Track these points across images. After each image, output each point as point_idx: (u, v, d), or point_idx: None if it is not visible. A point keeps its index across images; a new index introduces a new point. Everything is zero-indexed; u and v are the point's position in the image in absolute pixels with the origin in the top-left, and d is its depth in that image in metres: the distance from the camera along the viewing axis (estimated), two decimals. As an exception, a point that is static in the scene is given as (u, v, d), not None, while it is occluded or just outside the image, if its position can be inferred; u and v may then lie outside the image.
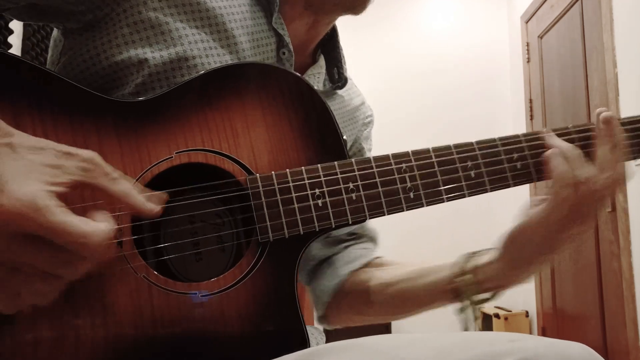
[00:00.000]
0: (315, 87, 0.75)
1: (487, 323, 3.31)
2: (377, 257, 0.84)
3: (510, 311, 3.30)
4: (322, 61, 0.80)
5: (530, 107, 3.40)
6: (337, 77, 0.80)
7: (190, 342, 0.52)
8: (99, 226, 0.45)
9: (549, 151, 0.62)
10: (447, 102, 3.63)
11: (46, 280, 0.44)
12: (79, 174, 0.45)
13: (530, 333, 3.34)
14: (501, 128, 3.19)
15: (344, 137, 0.62)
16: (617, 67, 2.36)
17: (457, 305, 0.67)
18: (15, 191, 0.41)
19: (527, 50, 3.43)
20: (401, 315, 0.77)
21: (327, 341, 0.74)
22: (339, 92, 0.83)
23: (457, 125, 3.47)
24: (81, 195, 0.50)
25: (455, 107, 3.60)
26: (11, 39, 1.05)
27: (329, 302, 0.81)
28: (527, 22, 3.44)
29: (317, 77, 0.78)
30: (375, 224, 0.88)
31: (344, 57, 0.81)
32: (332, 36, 0.81)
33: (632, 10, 2.29)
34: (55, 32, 0.69)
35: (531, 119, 3.37)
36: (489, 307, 3.38)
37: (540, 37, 3.26)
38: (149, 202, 0.50)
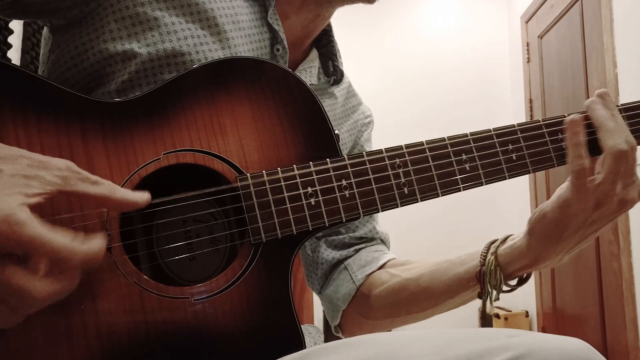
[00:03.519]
0: (309, 81, 0.74)
1: (487, 323, 3.31)
2: (392, 259, 0.81)
3: (510, 311, 3.30)
4: (313, 54, 0.77)
5: (530, 107, 3.40)
6: (332, 70, 0.77)
7: (185, 347, 0.52)
8: (85, 242, 0.43)
9: (568, 119, 0.61)
10: (448, 102, 3.63)
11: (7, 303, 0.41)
12: (57, 183, 0.43)
13: (530, 333, 3.33)
14: (501, 128, 3.19)
15: (336, 131, 0.60)
16: (617, 67, 2.36)
17: (478, 293, 0.66)
18: None
19: (527, 50, 3.43)
20: (425, 313, 0.74)
21: (326, 340, 0.73)
22: (336, 91, 0.80)
23: (458, 125, 3.43)
24: (69, 205, 0.49)
25: (455, 108, 3.60)
26: (11, 39, 1.06)
27: (346, 309, 0.78)
28: (527, 22, 3.44)
29: (308, 72, 0.75)
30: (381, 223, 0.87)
31: (339, 51, 0.79)
32: (326, 31, 0.78)
33: (632, 10, 2.29)
34: (45, 29, 0.68)
35: (531, 119, 3.37)
36: (488, 308, 3.38)
37: (540, 37, 3.25)
38: (136, 192, 0.48)
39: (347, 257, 0.80)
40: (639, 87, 2.22)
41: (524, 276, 0.67)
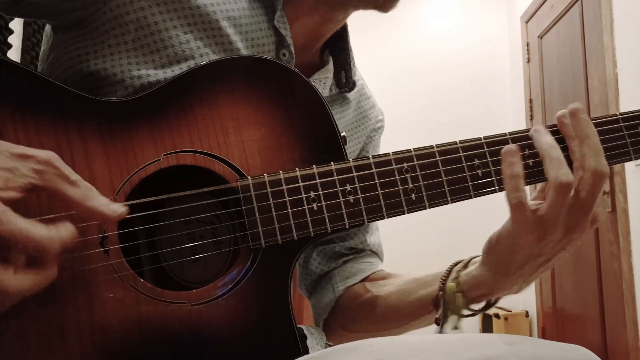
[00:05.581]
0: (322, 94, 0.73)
1: (487, 323, 3.31)
2: (377, 271, 0.79)
3: (510, 311, 3.30)
4: (330, 65, 0.74)
5: (530, 107, 3.40)
6: (345, 82, 0.74)
7: (181, 351, 0.51)
8: (59, 230, 0.42)
9: (504, 148, 0.55)
10: (448, 102, 3.63)
11: None
12: (32, 177, 0.41)
13: (530, 333, 3.33)
14: (501, 128, 3.18)
15: (342, 133, 0.58)
16: (617, 67, 2.36)
17: (435, 319, 0.63)
18: None
19: (527, 50, 3.43)
20: (388, 330, 0.72)
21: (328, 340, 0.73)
22: (349, 94, 0.77)
23: (458, 125, 3.47)
24: (47, 203, 0.47)
25: (455, 107, 3.60)
26: (11, 39, 1.05)
27: (327, 318, 0.77)
28: (527, 22, 3.44)
29: (322, 82, 0.72)
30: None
31: (353, 59, 0.76)
32: (342, 35, 0.75)
33: (632, 10, 2.29)
34: (47, 26, 0.66)
35: (531, 118, 3.37)
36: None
37: (540, 37, 3.25)
38: (113, 204, 0.46)
39: (334, 269, 0.79)
40: (639, 87, 2.22)
41: (492, 300, 0.63)
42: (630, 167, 2.30)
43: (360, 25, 3.67)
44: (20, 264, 0.41)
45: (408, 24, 3.78)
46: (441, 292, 0.61)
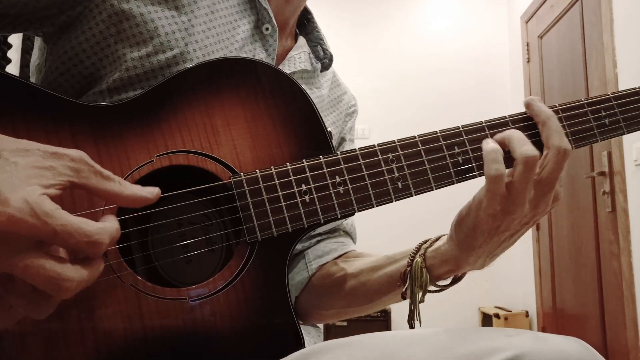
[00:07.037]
0: (302, 67, 0.76)
1: (487, 323, 3.31)
2: (350, 251, 0.81)
3: (510, 311, 3.30)
4: (300, 41, 0.79)
5: (530, 107, 3.40)
6: (323, 54, 0.80)
7: (183, 348, 0.51)
8: (106, 224, 0.43)
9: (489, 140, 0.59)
10: (448, 102, 3.63)
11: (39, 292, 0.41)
12: (70, 175, 0.42)
13: (531, 333, 3.34)
14: (501, 128, 3.20)
15: (329, 129, 0.60)
16: (617, 67, 2.36)
17: (401, 293, 0.64)
18: (11, 199, 0.37)
19: (527, 50, 3.43)
20: (362, 308, 0.74)
21: (326, 340, 0.73)
22: (323, 81, 0.82)
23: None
24: (71, 198, 0.48)
25: (455, 108, 3.60)
26: (11, 39, 1.06)
27: (298, 296, 0.79)
28: (527, 22, 3.44)
29: (298, 58, 0.77)
30: (365, 221, 0.85)
31: (324, 36, 0.82)
32: (309, 19, 0.82)
33: (632, 10, 2.29)
34: (38, 40, 0.68)
35: (531, 119, 3.38)
36: (489, 307, 3.39)
37: (540, 37, 3.26)
38: (147, 188, 0.47)
39: (308, 248, 0.81)
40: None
41: (459, 275, 0.64)
42: (630, 167, 2.30)
43: (360, 26, 3.69)
44: (69, 257, 0.41)
45: (407, 24, 3.78)
46: (409, 268, 0.63)
